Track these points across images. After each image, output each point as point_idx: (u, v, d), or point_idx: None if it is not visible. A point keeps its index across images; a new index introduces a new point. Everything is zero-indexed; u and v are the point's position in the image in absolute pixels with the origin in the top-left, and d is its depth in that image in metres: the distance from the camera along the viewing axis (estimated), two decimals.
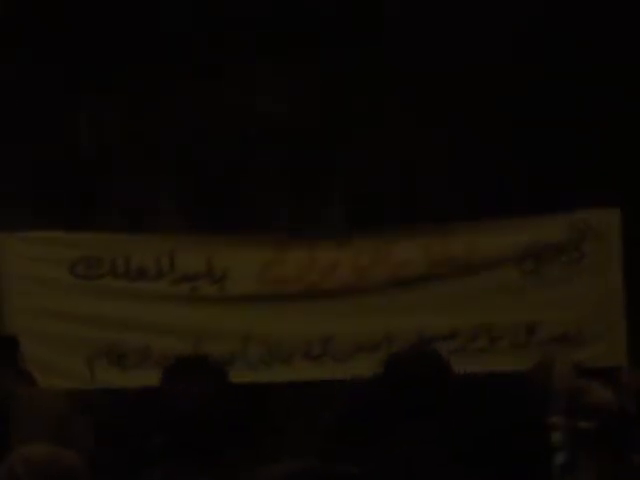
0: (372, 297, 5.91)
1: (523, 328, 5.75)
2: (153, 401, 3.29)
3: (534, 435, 2.94)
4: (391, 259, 5.93)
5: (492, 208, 6.92)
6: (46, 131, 7.56)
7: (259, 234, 6.56)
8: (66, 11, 7.83)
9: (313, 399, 6.66)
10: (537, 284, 5.80)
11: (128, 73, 7.67)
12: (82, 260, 5.80)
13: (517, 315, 5.78)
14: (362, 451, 3.09)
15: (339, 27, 7.97)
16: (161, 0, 8.00)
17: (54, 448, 2.84)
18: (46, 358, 5.37)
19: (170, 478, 2.96)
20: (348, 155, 7.90)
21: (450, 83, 7.99)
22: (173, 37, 7.84)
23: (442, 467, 2.90)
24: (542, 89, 8.07)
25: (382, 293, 5.88)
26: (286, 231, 6.85)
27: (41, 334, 5.41)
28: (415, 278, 5.88)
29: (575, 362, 5.46)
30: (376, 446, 3.12)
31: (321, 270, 5.94)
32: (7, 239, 5.82)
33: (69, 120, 7.70)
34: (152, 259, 5.89)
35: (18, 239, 5.88)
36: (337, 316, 5.83)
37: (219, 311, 5.80)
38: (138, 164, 7.68)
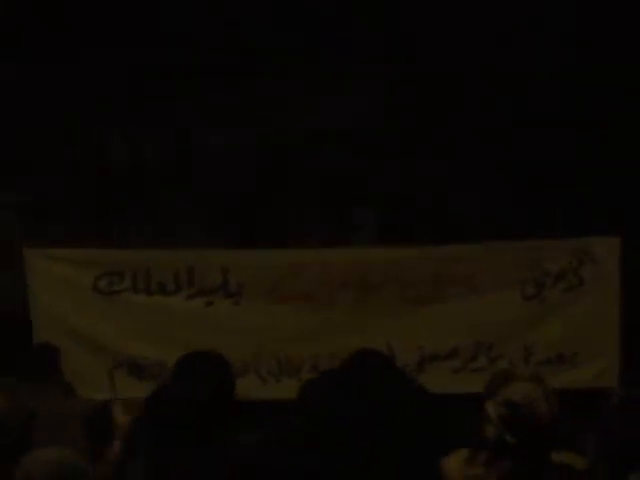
0: (379, 314, 6.13)
1: (522, 349, 5.95)
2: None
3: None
4: (400, 278, 6.13)
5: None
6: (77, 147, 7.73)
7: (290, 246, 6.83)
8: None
9: None
10: (537, 308, 5.99)
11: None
12: (104, 276, 6.04)
13: (516, 336, 5.97)
14: None
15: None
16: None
17: (66, 450, 3.06)
18: (70, 369, 5.58)
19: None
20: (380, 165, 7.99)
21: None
22: (193, 43, 7.91)
23: None
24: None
25: (388, 311, 6.09)
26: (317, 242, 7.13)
27: (66, 346, 5.60)
28: (421, 298, 6.09)
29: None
30: None
31: (331, 287, 6.16)
32: (34, 255, 6.07)
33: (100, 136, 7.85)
34: (171, 274, 6.11)
35: (44, 255, 6.12)
36: (344, 332, 6.02)
37: (233, 325, 6.01)
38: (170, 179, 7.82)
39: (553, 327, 5.98)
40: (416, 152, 7.86)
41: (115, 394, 5.87)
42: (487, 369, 5.85)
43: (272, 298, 6.13)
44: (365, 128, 7.94)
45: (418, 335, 6.04)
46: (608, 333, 5.94)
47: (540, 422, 3.60)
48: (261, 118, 7.78)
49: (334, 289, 6.16)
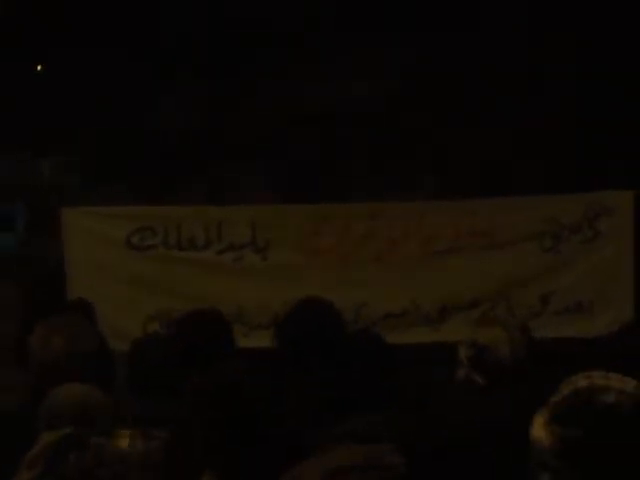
0: (401, 266, 6.27)
1: (539, 299, 6.06)
2: None
3: None
4: (421, 232, 6.26)
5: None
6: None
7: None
8: None
9: None
10: (554, 259, 6.10)
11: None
12: (137, 231, 6.19)
13: (534, 287, 6.09)
14: None
15: None
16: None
17: (87, 386, 3.18)
18: (105, 322, 5.72)
19: None
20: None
21: None
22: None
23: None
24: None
25: (410, 263, 6.22)
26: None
27: (100, 300, 5.75)
28: (441, 251, 6.21)
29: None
30: None
31: (355, 241, 6.30)
32: (70, 212, 6.25)
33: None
34: (201, 230, 6.25)
35: (80, 212, 6.30)
36: (369, 284, 6.19)
37: (261, 279, 6.15)
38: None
39: (570, 277, 6.11)
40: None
41: None
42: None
43: (298, 253, 6.29)
44: None
45: (439, 287, 6.19)
46: (623, 283, 6.07)
47: (502, 364, 3.87)
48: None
49: (357, 243, 6.30)
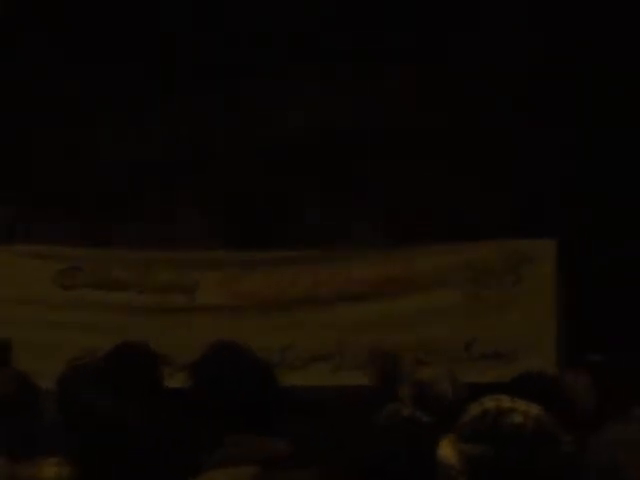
0: (326, 310, 6.38)
1: (462, 345, 6.14)
2: None
3: None
4: (344, 276, 6.38)
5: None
6: None
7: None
8: None
9: None
10: (476, 306, 6.21)
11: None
12: (65, 271, 6.25)
13: (456, 332, 6.17)
14: None
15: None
16: None
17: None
18: (31, 361, 5.72)
19: None
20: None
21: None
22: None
23: None
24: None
25: (335, 307, 6.33)
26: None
27: (26, 339, 5.77)
28: (364, 296, 6.34)
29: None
30: None
31: (279, 285, 6.46)
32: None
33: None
34: (129, 272, 6.32)
35: (7, 251, 6.32)
36: (295, 327, 6.28)
37: (188, 321, 6.20)
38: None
39: (492, 324, 6.21)
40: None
41: None
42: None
43: (224, 296, 6.40)
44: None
45: (362, 331, 6.27)
46: (546, 331, 6.17)
47: (444, 399, 3.95)
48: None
49: (282, 287, 6.43)
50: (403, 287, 6.30)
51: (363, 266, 6.38)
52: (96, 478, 3.07)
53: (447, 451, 2.71)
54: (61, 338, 6.10)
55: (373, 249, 6.70)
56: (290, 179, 7.89)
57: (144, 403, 3.77)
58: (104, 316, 6.21)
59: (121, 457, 3.20)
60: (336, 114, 8.04)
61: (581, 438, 3.71)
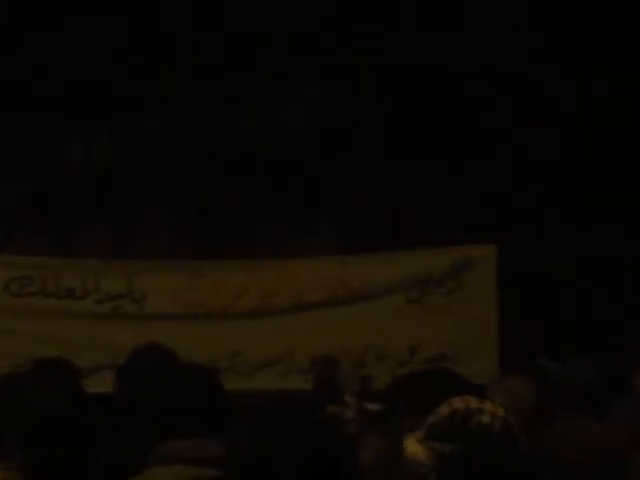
0: (275, 318, 6.59)
1: (406, 349, 6.31)
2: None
3: None
4: (293, 286, 6.59)
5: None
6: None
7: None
8: None
9: None
10: (420, 311, 6.40)
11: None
12: (15, 280, 6.34)
13: (402, 337, 6.36)
14: None
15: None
16: None
17: None
18: None
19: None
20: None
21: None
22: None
23: None
24: None
25: (283, 315, 6.50)
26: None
27: None
28: (313, 304, 6.58)
29: None
30: None
31: (229, 294, 6.65)
32: None
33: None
34: (79, 280, 6.42)
35: None
36: (243, 335, 6.46)
37: (138, 328, 6.31)
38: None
39: (435, 328, 6.42)
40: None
41: None
42: (375, 367, 6.30)
43: (174, 305, 6.55)
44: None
45: (311, 338, 6.48)
46: (487, 334, 6.39)
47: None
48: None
49: (232, 297, 6.62)
50: (350, 295, 6.52)
51: (312, 275, 6.55)
52: None
53: (416, 448, 2.86)
54: (10, 347, 6.21)
55: (321, 259, 6.94)
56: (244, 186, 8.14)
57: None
58: (55, 324, 6.33)
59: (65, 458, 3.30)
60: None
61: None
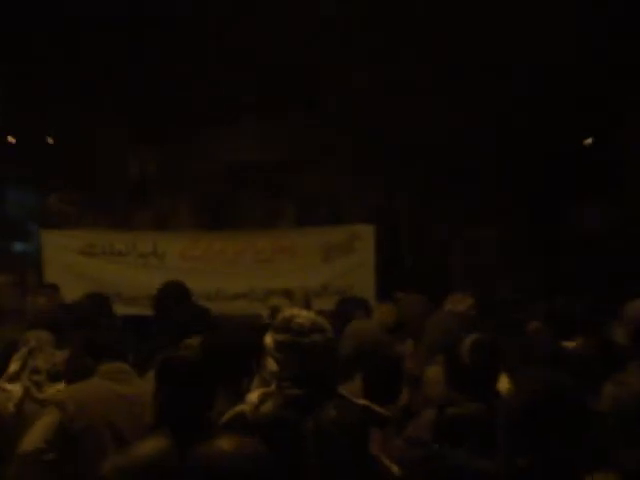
0: (243, 268, 10.27)
1: (320, 286, 10.03)
2: None
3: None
4: (253, 248, 10.35)
5: None
6: None
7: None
8: None
9: None
10: (330, 266, 10.17)
11: None
12: (85, 246, 10.18)
13: (318, 280, 10.07)
14: None
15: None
16: None
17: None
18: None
19: None
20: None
21: None
22: None
23: None
24: None
25: (247, 266, 10.27)
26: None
27: (65, 287, 9.37)
28: (264, 260, 10.29)
29: None
30: None
31: (215, 252, 10.33)
32: (46, 232, 10.42)
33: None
34: (124, 245, 10.28)
35: (51, 232, 10.48)
36: (224, 277, 10.17)
37: (160, 274, 9.66)
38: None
39: (338, 275, 10.11)
40: None
41: None
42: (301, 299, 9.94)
43: (182, 259, 10.25)
44: None
45: (264, 281, 10.05)
46: (368, 277, 10.05)
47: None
48: None
49: (216, 254, 10.31)
50: (287, 254, 10.23)
51: (264, 241, 10.40)
52: None
53: (268, 340, 4.13)
54: (87, 286, 9.43)
55: (269, 231, 11.04)
56: None
57: None
58: (110, 272, 10.08)
59: None
60: None
61: None
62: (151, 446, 3.75)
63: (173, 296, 7.77)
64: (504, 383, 5.09)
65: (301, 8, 10.52)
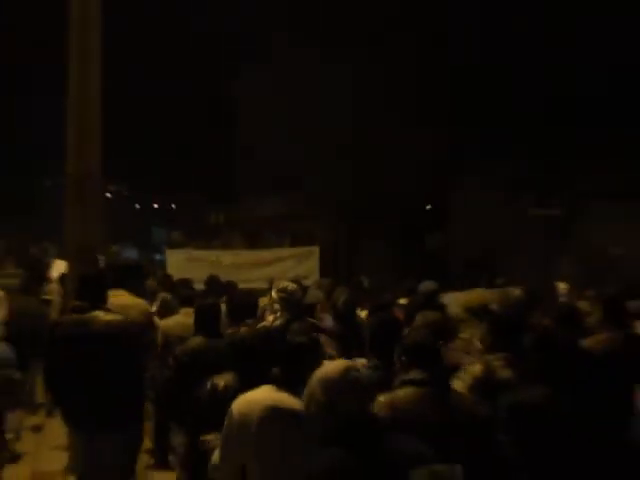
0: (242, 268, 19.97)
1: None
2: None
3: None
4: (244, 259, 20.94)
5: None
6: None
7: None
8: None
9: None
10: (293, 265, 21.73)
11: None
12: (189, 256, 22.11)
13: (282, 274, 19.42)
14: None
15: None
16: None
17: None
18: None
19: None
20: None
21: None
22: None
23: None
24: None
25: (244, 267, 20.43)
26: None
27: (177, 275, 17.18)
28: (251, 264, 20.29)
29: None
30: None
31: (241, 262, 21.70)
32: (169, 251, 22.82)
33: None
34: (206, 256, 22.46)
35: (172, 250, 22.99)
36: (245, 271, 21.41)
37: (219, 270, 18.35)
38: None
39: (300, 272, 21.21)
40: None
41: None
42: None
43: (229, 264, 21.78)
44: None
45: (258, 275, 19.29)
46: (315, 268, 21.73)
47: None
48: None
49: (229, 260, 21.55)
50: (265, 263, 20.03)
51: (251, 256, 21.97)
52: None
53: (273, 293, 7.59)
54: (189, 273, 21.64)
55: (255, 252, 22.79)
56: None
57: None
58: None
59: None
60: None
61: None
62: None
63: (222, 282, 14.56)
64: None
65: None
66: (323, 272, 20.14)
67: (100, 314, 7.07)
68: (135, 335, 7.10)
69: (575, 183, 21.74)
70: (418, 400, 4.75)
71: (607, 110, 19.03)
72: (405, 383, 4.94)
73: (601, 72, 18.00)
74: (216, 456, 5.13)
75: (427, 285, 9.77)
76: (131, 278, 8.74)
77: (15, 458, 9.92)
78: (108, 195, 50.33)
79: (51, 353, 7.08)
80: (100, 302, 7.28)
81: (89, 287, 7.36)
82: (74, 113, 10.77)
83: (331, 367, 4.10)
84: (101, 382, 6.87)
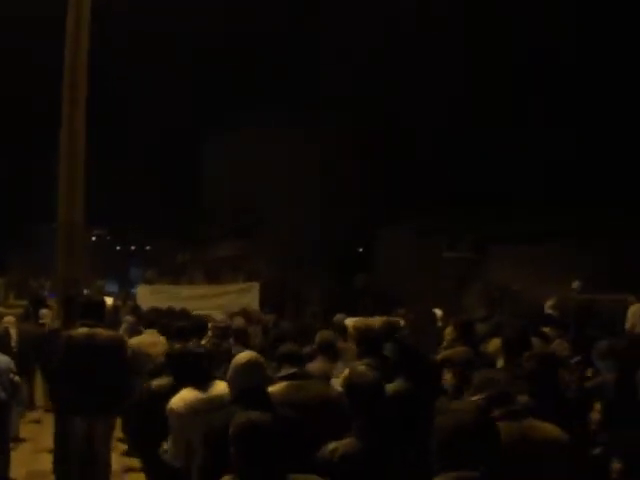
0: (206, 298, 26.34)
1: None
2: None
3: None
4: (211, 290, 27.13)
5: None
6: None
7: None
8: None
9: None
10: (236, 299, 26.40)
11: None
12: (155, 290, 26.87)
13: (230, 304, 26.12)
14: None
15: None
16: None
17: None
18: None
19: None
20: None
21: None
22: None
23: None
24: None
25: (199, 298, 26.22)
26: None
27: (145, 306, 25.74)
28: (216, 294, 26.31)
29: None
30: None
31: (200, 294, 26.93)
32: (140, 286, 27.47)
33: None
34: (169, 291, 27.05)
35: (142, 286, 27.62)
36: (201, 301, 26.30)
37: (180, 303, 26.07)
38: None
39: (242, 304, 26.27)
40: None
41: None
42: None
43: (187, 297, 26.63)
44: None
45: (213, 303, 24.98)
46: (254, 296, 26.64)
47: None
48: None
49: (199, 294, 26.85)
50: (220, 294, 26.13)
51: (215, 289, 27.10)
52: None
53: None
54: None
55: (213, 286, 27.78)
56: None
57: None
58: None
59: None
60: None
61: None
62: None
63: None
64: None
65: None
66: (270, 302, 24.01)
67: (102, 330, 8.59)
68: (124, 347, 8.82)
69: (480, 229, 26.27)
70: (286, 388, 6.05)
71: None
72: (281, 378, 6.15)
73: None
74: (165, 445, 6.27)
75: (338, 317, 12.43)
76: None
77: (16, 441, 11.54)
78: (93, 239, 58.30)
79: (65, 356, 8.31)
80: (100, 321, 8.74)
81: (93, 310, 8.74)
82: (64, 167, 13.23)
83: (239, 356, 5.43)
84: (102, 378, 8.30)
